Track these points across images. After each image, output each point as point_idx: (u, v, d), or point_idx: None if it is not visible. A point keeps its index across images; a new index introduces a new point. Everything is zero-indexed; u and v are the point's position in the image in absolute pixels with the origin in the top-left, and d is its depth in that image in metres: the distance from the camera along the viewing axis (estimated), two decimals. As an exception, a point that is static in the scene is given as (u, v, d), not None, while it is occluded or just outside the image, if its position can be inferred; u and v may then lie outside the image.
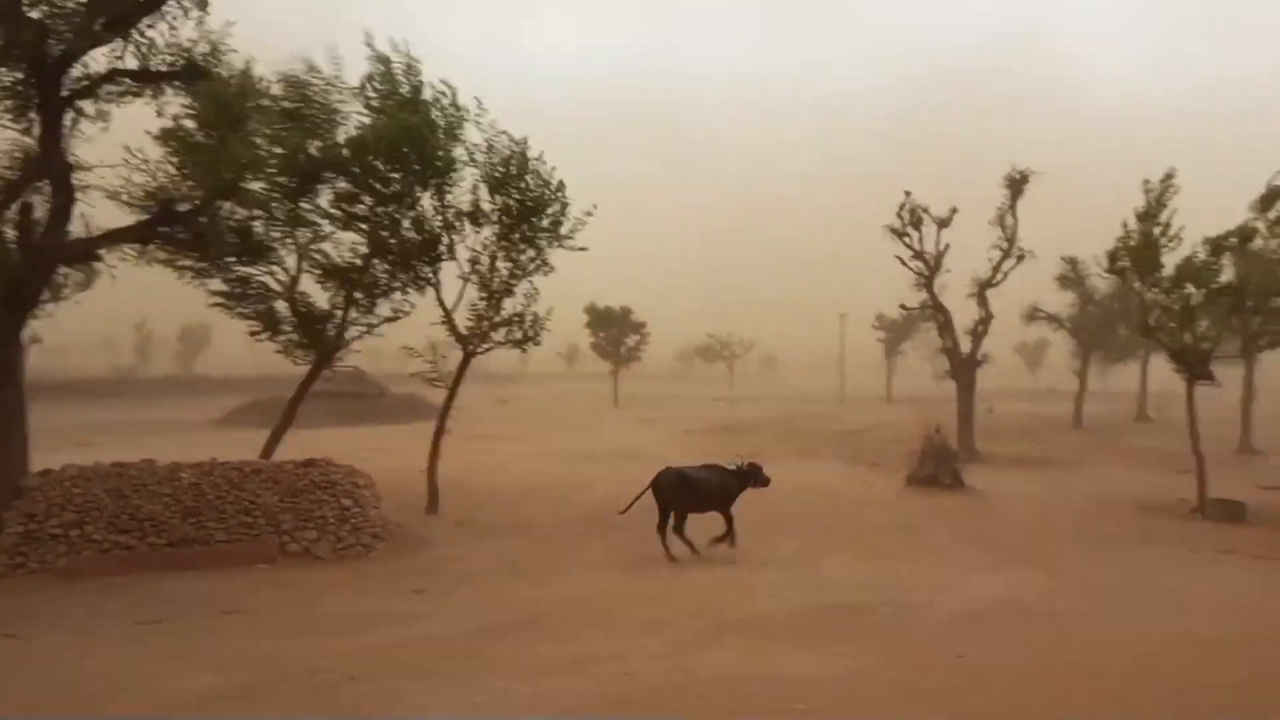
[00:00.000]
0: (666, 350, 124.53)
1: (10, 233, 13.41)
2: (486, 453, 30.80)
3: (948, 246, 32.38)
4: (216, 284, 16.30)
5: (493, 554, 14.22)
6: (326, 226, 16.92)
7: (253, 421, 37.05)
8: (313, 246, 17.16)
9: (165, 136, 14.27)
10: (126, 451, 16.10)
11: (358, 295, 17.55)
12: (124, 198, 14.37)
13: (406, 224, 17.03)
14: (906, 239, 32.38)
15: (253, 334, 17.18)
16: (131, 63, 13.56)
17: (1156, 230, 19.44)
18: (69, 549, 12.24)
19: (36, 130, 13.37)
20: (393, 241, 16.97)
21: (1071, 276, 46.60)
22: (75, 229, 13.92)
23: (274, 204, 15.91)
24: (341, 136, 16.05)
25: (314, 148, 15.51)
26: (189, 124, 14.29)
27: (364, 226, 16.87)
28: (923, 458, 23.25)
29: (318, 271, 17.36)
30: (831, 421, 46.69)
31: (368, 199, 16.52)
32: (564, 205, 17.72)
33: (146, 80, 13.88)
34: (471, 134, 17.02)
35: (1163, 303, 19.72)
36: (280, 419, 17.77)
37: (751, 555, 13.76)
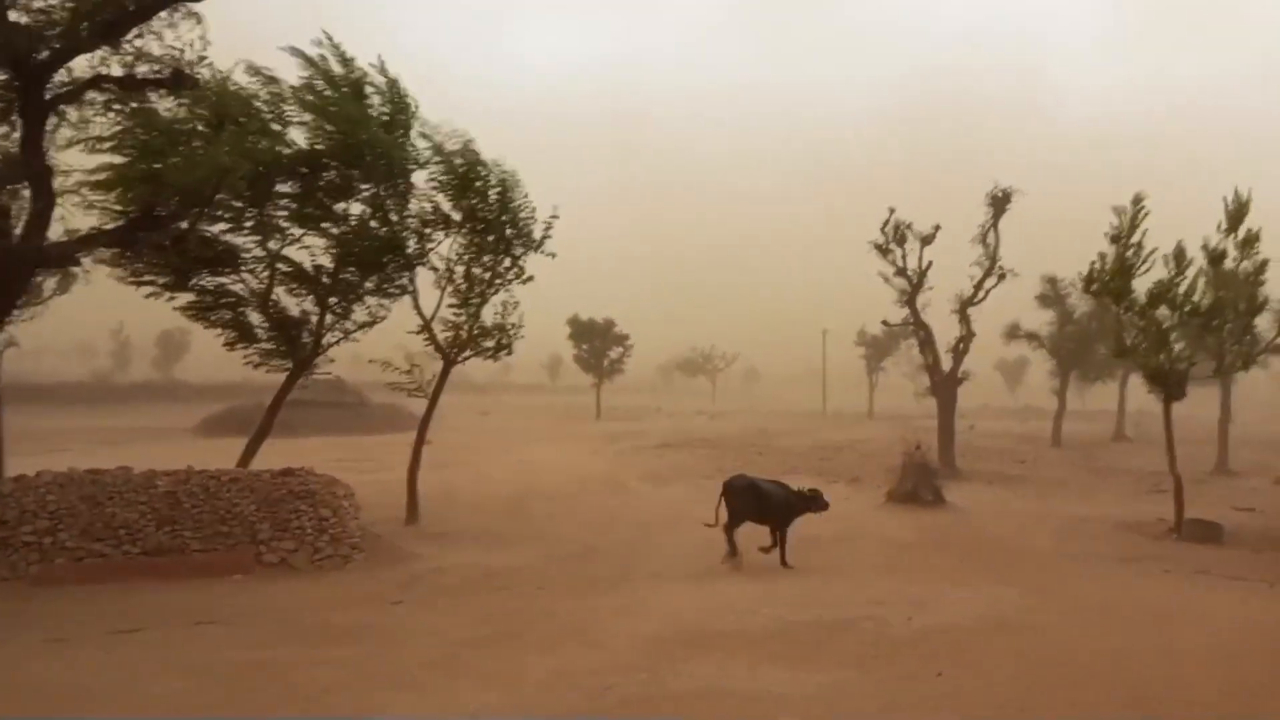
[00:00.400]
0: (649, 363, 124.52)
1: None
2: (467, 464, 30.68)
3: (930, 264, 32.64)
4: (186, 297, 16.23)
5: (472, 566, 14.15)
6: (294, 230, 16.84)
7: (231, 429, 36.72)
8: (282, 252, 17.05)
9: (144, 145, 14.16)
10: (103, 458, 15.92)
11: (331, 301, 17.48)
12: (106, 205, 14.29)
13: (370, 225, 17.01)
14: (890, 255, 32.62)
15: (228, 344, 17.07)
16: (116, 69, 13.49)
17: (1129, 253, 19.61)
18: (41, 556, 12.08)
19: (17, 134, 13.26)
20: (357, 244, 16.93)
21: (1051, 295, 47.03)
22: (54, 233, 13.81)
23: (239, 209, 15.84)
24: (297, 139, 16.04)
25: (276, 152, 15.48)
26: (169, 130, 14.20)
27: (328, 228, 16.83)
28: (903, 474, 23.34)
29: (289, 278, 17.27)
30: (812, 436, 46.80)
31: (321, 198, 16.50)
32: (520, 213, 17.78)
33: (131, 87, 13.81)
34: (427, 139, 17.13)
35: (1137, 324, 19.89)
36: (258, 427, 17.64)
37: (727, 570, 13.75)
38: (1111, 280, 19.69)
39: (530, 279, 18.74)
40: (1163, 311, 19.46)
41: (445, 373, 19.17)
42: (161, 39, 13.39)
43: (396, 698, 6.85)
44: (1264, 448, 39.24)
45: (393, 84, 16.65)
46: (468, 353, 18.86)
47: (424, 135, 17.12)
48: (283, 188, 16.12)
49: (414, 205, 17.57)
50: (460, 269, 18.22)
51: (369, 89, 16.44)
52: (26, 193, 13.40)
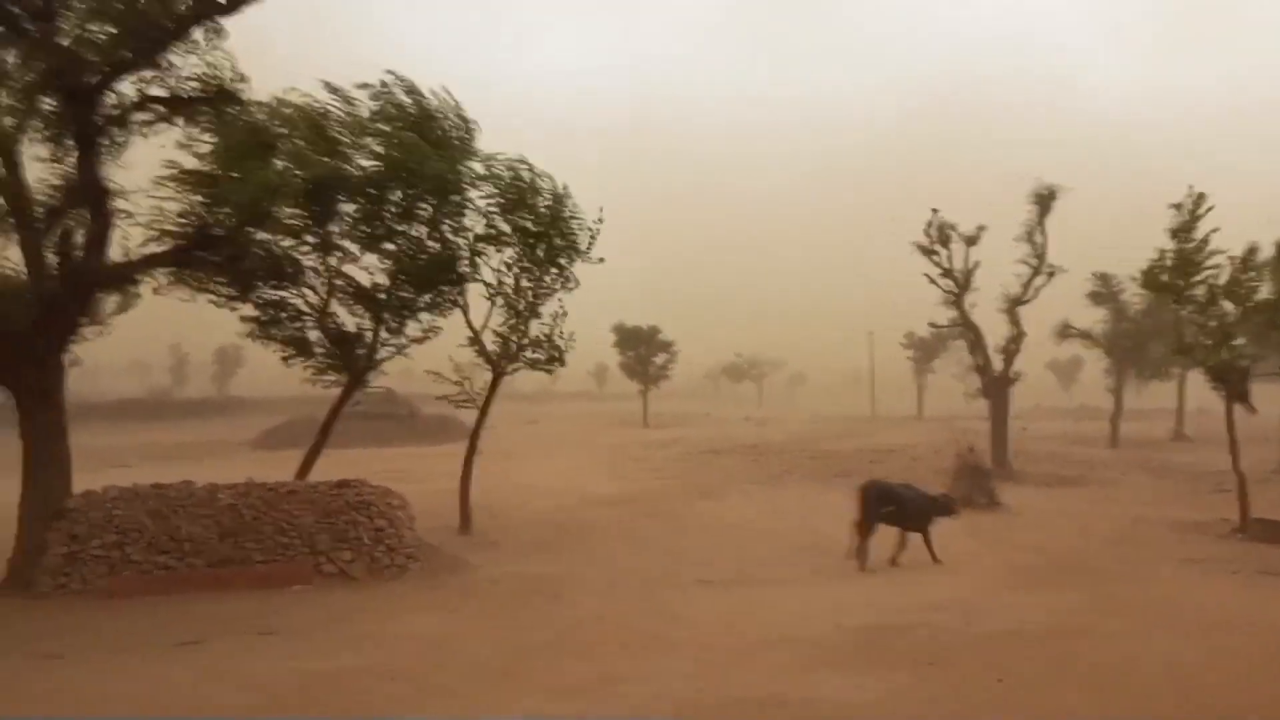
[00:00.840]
0: (695, 369, 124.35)
1: (51, 258, 13.75)
2: (518, 473, 30.91)
3: (977, 264, 32.23)
4: (248, 309, 16.61)
5: (524, 574, 14.27)
6: (352, 249, 17.19)
7: (288, 442, 37.42)
8: (341, 269, 17.40)
9: (194, 168, 14.55)
10: (164, 473, 16.37)
11: (386, 316, 17.77)
12: (162, 225, 14.69)
13: (427, 244, 17.27)
14: (935, 257, 32.27)
15: (285, 358, 17.42)
16: (161, 90, 13.92)
17: (1190, 248, 19.18)
18: (110, 569, 12.44)
19: (73, 158, 13.73)
20: (414, 262, 17.19)
21: (1104, 292, 46.07)
22: (113, 254, 14.25)
23: (300, 227, 16.24)
24: (359, 159, 16.34)
25: (335, 171, 15.80)
26: (218, 150, 14.57)
27: (387, 247, 17.13)
28: (956, 477, 23.03)
29: (347, 294, 17.60)
30: (861, 440, 46.34)
31: (386, 219, 16.80)
32: (573, 220, 17.92)
33: (178, 107, 14.21)
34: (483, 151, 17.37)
35: (1198, 320, 19.44)
36: (314, 440, 17.97)
37: (779, 575, 13.71)
38: (1175, 273, 19.28)
39: (577, 284, 18.88)
40: (1225, 306, 19.01)
41: (495, 384, 19.37)
42: (201, 58, 13.80)
43: (449, 705, 6.95)
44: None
45: (457, 110, 16.94)
46: (517, 364, 19.04)
47: (480, 158, 17.35)
48: (346, 206, 16.48)
49: (467, 221, 17.79)
50: (510, 282, 18.42)
51: (432, 112, 16.75)
52: (86, 215, 13.86)
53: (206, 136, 14.57)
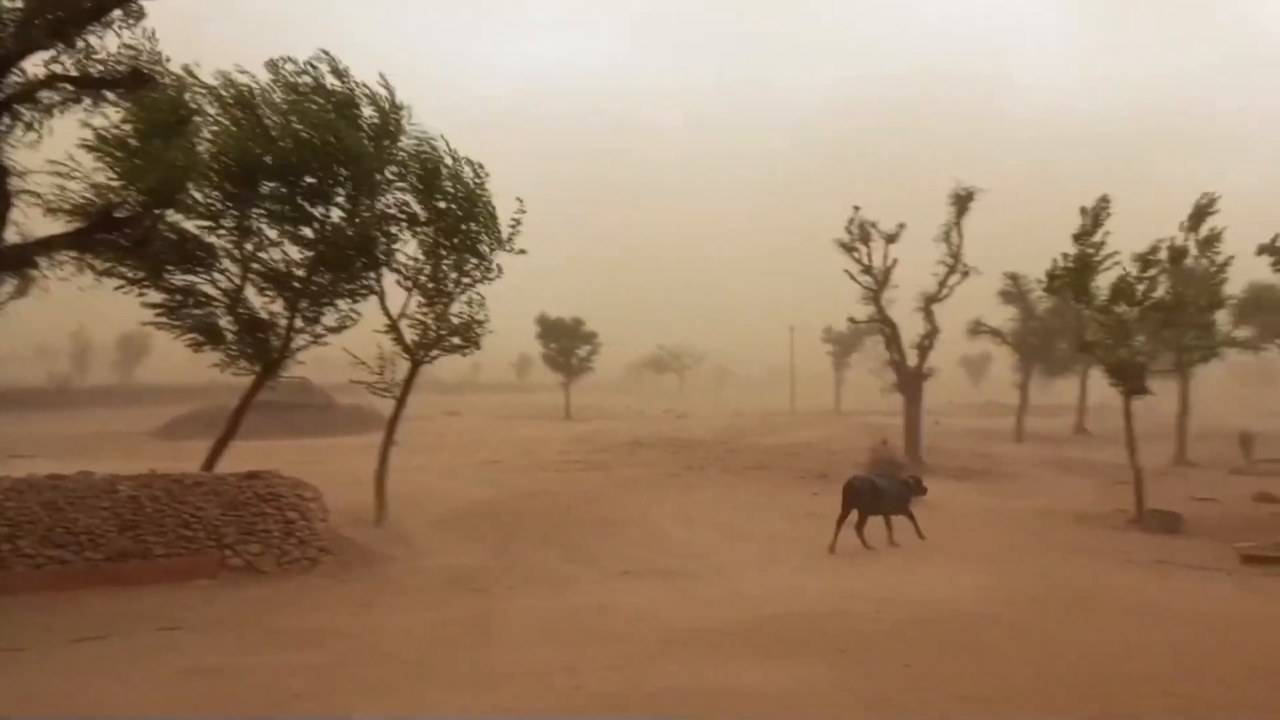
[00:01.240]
0: (618, 362, 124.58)
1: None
2: (436, 465, 30.49)
3: (895, 261, 32.98)
4: (154, 296, 15.99)
5: (442, 567, 14.08)
6: (270, 233, 16.72)
7: (195, 433, 36.20)
8: (256, 254, 16.89)
9: (101, 144, 13.90)
10: (63, 464, 15.64)
11: (302, 304, 17.32)
12: (63, 205, 14.00)
13: (342, 227, 16.89)
14: (855, 253, 32.93)
15: (193, 346, 16.82)
16: (71, 69, 13.23)
17: (1090, 251, 19.97)
18: (0, 564, 11.84)
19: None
20: (332, 246, 16.79)
21: (1013, 292, 47.77)
22: (9, 236, 13.51)
23: (215, 210, 15.74)
24: (279, 140, 15.89)
25: (251, 154, 15.32)
26: (127, 129, 13.98)
27: (304, 231, 16.71)
28: (870, 469, 23.55)
29: (262, 280, 17.08)
30: (780, 434, 47.04)
31: (303, 201, 16.40)
32: (488, 209, 17.74)
33: (87, 86, 13.55)
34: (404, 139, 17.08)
35: (1099, 319, 20.25)
36: (223, 430, 17.40)
37: (698, 568, 13.81)
38: (1073, 277, 20.04)
39: (499, 275, 18.67)
40: (1123, 307, 19.84)
41: (413, 373, 19.04)
42: (120, 37, 13.17)
43: (367, 701, 6.80)
44: (1222, 440, 40.01)
45: (389, 98, 16.59)
46: (435, 351, 18.75)
47: (401, 140, 17.04)
48: (263, 189, 15.99)
49: (381, 205, 17.45)
50: (427, 268, 18.14)
51: (361, 98, 16.37)
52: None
53: (115, 114, 13.96)
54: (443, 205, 17.41)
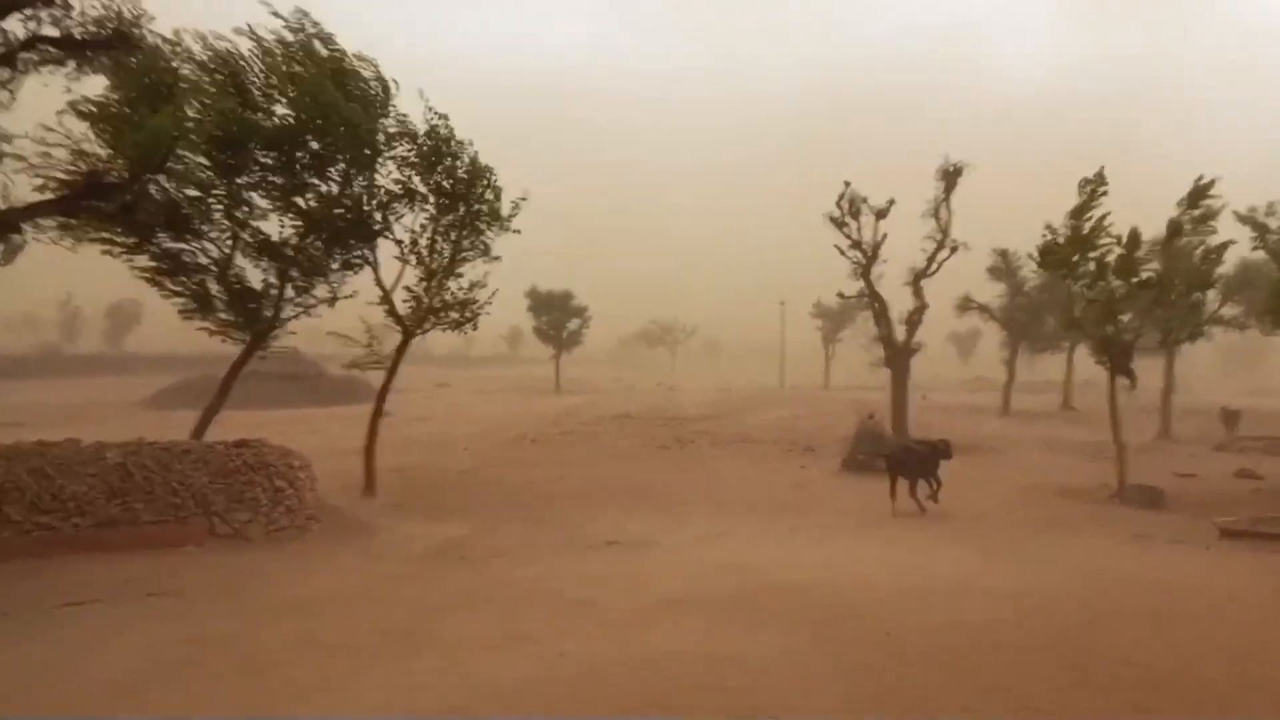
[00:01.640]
0: (609, 335, 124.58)
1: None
2: (425, 436, 30.55)
3: (885, 236, 32.98)
4: (145, 260, 15.91)
5: (430, 537, 14.17)
6: (260, 202, 16.64)
7: (185, 402, 36.19)
8: (249, 222, 16.82)
9: (89, 111, 13.77)
10: (51, 431, 15.63)
11: (294, 274, 17.27)
12: (50, 172, 13.88)
13: (340, 200, 16.82)
14: (845, 228, 32.91)
15: (184, 313, 16.77)
16: (53, 30, 13.06)
17: (1086, 226, 19.97)
18: (-12, 531, 11.86)
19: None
20: (325, 218, 16.73)
21: (1002, 268, 47.84)
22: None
23: (206, 179, 15.64)
24: (273, 106, 15.76)
25: (244, 121, 15.19)
26: (115, 96, 13.85)
27: (297, 202, 16.63)
28: (857, 442, 23.73)
29: (253, 249, 17.02)
30: (769, 408, 47.22)
31: (298, 172, 16.31)
32: (494, 188, 17.74)
33: (70, 48, 13.38)
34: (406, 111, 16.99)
35: (1087, 295, 20.31)
36: (212, 399, 17.40)
37: (684, 539, 13.92)
38: (1067, 250, 20.06)
39: (497, 259, 18.71)
40: (1114, 283, 19.89)
41: (404, 345, 19.06)
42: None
43: (351, 666, 6.87)
44: (1206, 417, 40.38)
45: (374, 67, 16.48)
46: (429, 324, 18.76)
47: (399, 117, 16.95)
48: (256, 157, 15.88)
49: (380, 179, 17.38)
50: (425, 241, 18.11)
51: (348, 67, 16.23)
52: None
53: (103, 78, 13.81)
54: (445, 182, 17.37)
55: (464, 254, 18.44)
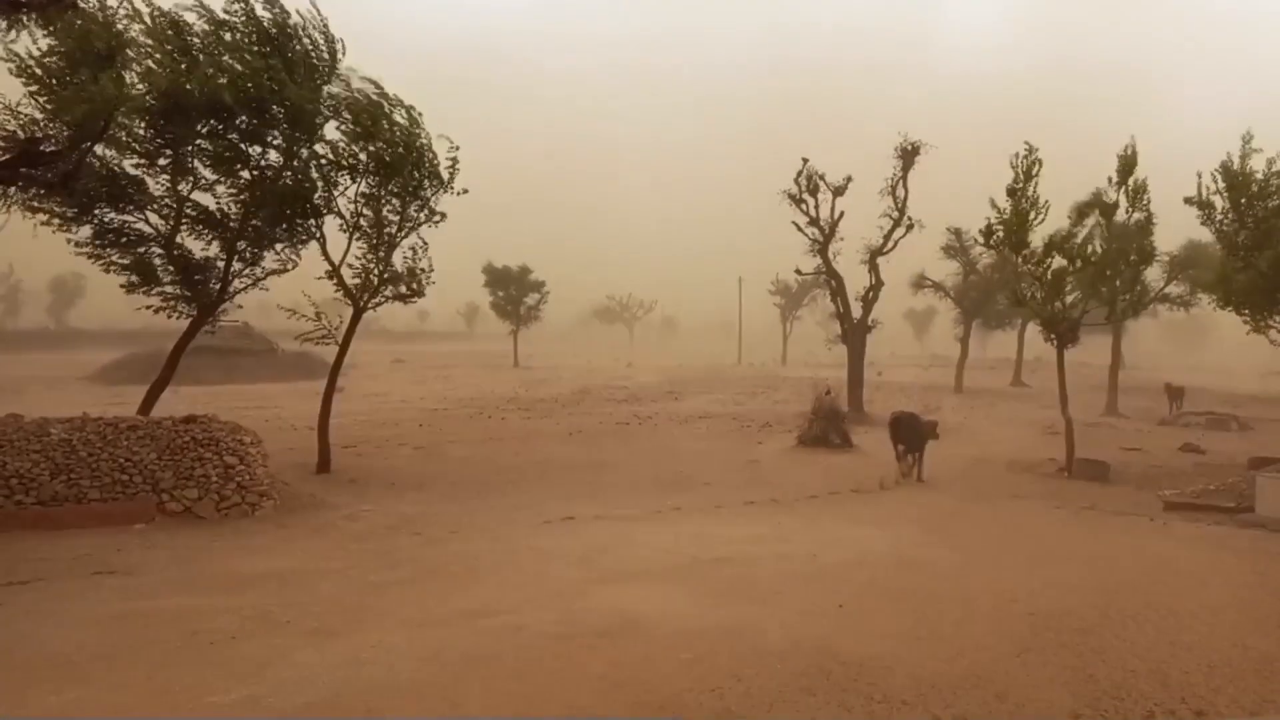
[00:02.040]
0: (567, 311, 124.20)
1: None
2: (380, 412, 30.26)
3: (842, 214, 33.19)
4: (86, 232, 15.51)
5: (385, 512, 14.07)
6: (205, 173, 16.30)
7: (131, 377, 35.49)
8: (192, 194, 16.45)
9: (25, 73, 13.31)
10: (-9, 407, 15.23)
11: (240, 246, 16.95)
12: None
13: (282, 172, 16.51)
14: (803, 205, 33.05)
15: (127, 286, 16.39)
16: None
17: (1025, 204, 20.21)
18: (-75, 508, 11.56)
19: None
20: (269, 190, 16.42)
21: (955, 247, 48.47)
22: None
23: (148, 147, 15.26)
24: (216, 76, 15.37)
25: (187, 89, 14.81)
26: (53, 58, 13.39)
27: (240, 173, 16.31)
28: (813, 418, 23.96)
29: (197, 221, 16.65)
30: (727, 384, 47.48)
31: (239, 143, 16.00)
32: (426, 152, 17.46)
33: (4, 9, 12.91)
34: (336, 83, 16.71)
35: (1034, 274, 20.62)
36: (159, 375, 17.07)
37: (640, 512, 13.99)
38: (1010, 228, 20.32)
39: (443, 217, 18.41)
40: (1058, 261, 20.21)
41: (355, 319, 18.81)
42: None
43: (304, 644, 6.82)
44: (1152, 392, 41.37)
45: (324, 31, 16.12)
46: (378, 298, 18.52)
47: (339, 79, 16.63)
48: (198, 127, 15.50)
49: (321, 149, 17.08)
50: (368, 214, 17.84)
51: (291, 29, 15.86)
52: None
53: (40, 41, 13.35)
54: (383, 149, 17.08)
55: (408, 222, 18.17)
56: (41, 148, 13.46)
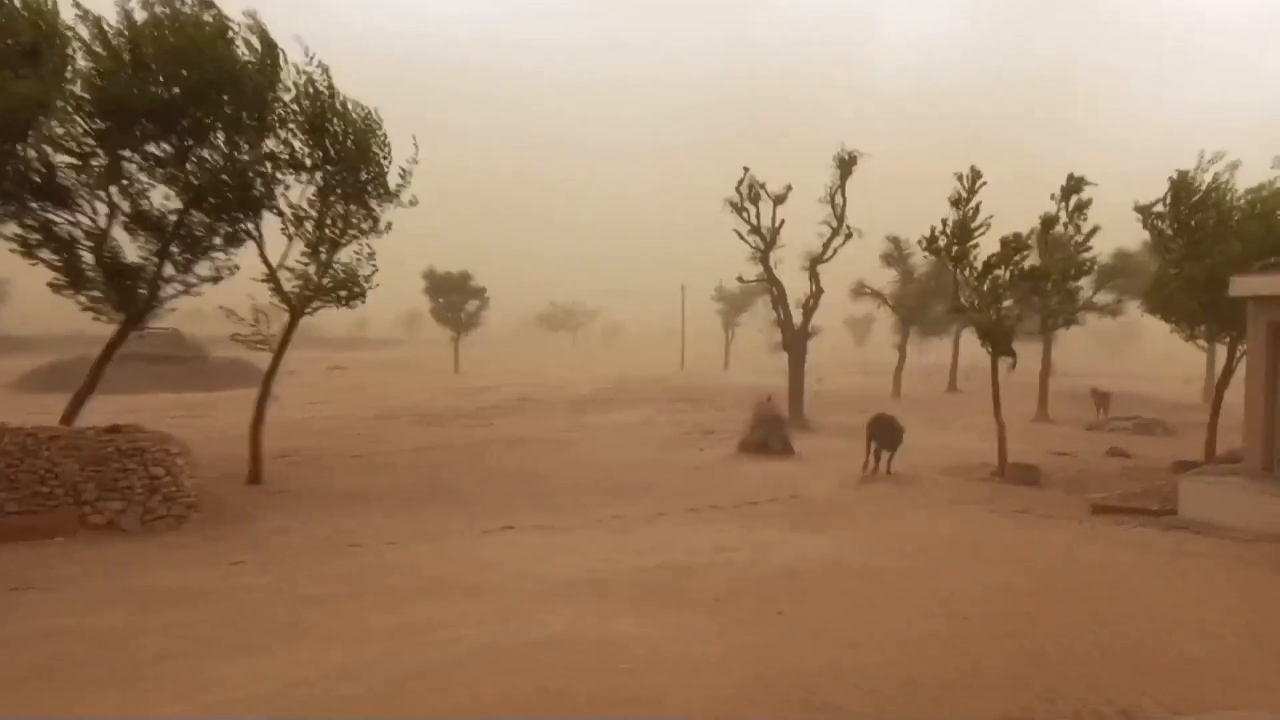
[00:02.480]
0: (509, 318, 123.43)
1: None
2: (315, 422, 29.67)
3: (783, 222, 33.54)
4: (7, 232, 14.93)
5: (319, 525, 13.78)
6: (139, 174, 15.79)
7: (55, 385, 34.18)
8: (128, 194, 15.91)
9: None
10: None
11: (174, 249, 16.46)
12: None
13: (220, 167, 16.06)
14: (745, 213, 33.32)
15: (53, 286, 15.81)
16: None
17: (969, 217, 20.68)
18: None
19: None
20: (209, 186, 15.96)
21: (894, 255, 49.37)
22: None
23: (84, 148, 14.75)
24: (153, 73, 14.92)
25: (123, 88, 14.35)
26: None
27: (176, 174, 15.82)
28: (754, 425, 24.10)
29: (131, 221, 16.12)
30: (669, 390, 47.61)
31: (177, 140, 15.54)
32: (378, 157, 17.20)
33: None
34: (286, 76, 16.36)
35: (972, 284, 21.05)
36: (83, 383, 16.48)
37: (581, 521, 13.91)
38: (954, 238, 20.74)
39: (389, 227, 18.16)
40: (996, 272, 20.65)
41: (292, 325, 18.39)
42: None
43: (234, 663, 6.61)
44: (1081, 398, 42.50)
45: (261, 31, 15.73)
46: (316, 303, 18.14)
47: (282, 74, 16.24)
48: (135, 125, 15.01)
49: (265, 146, 16.62)
50: (312, 215, 17.46)
51: (234, 32, 15.46)
52: None
53: None
54: (332, 149, 16.74)
55: (352, 229, 17.85)
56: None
